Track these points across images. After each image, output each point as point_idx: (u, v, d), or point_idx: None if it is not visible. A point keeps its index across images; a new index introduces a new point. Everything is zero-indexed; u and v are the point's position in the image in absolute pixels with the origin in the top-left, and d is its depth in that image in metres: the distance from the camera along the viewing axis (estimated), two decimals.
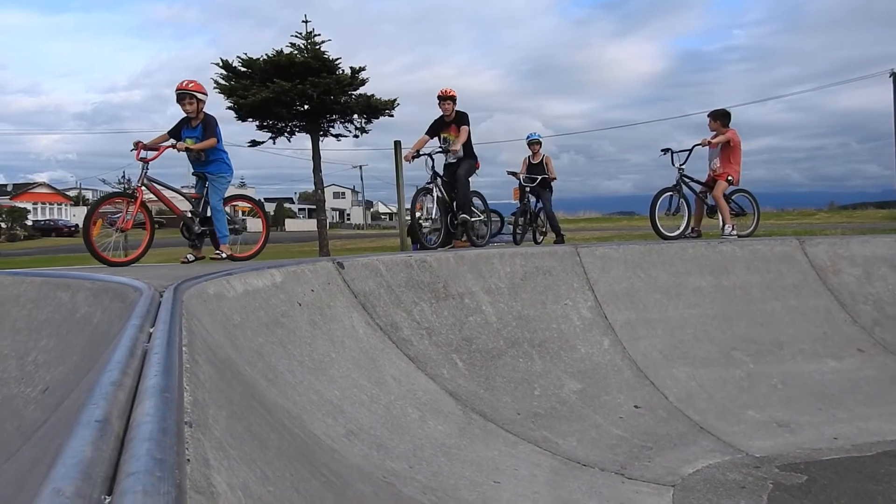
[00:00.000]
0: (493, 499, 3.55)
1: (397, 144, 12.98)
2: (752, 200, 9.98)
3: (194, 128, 7.36)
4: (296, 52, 23.20)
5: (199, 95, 7.29)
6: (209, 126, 7.32)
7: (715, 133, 9.56)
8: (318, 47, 23.47)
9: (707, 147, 9.59)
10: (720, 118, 9.58)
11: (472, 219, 9.39)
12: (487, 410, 4.74)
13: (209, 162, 7.43)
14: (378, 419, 3.91)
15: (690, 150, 9.54)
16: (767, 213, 10.32)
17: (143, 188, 6.95)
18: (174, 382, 1.22)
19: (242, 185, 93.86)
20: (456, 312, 5.76)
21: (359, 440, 3.50)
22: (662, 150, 9.71)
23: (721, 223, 9.44)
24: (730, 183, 9.46)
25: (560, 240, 11.22)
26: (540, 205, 11.55)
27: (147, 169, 7.02)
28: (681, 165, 9.45)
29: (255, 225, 9.46)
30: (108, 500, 0.80)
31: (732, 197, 9.75)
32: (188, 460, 0.98)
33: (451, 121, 9.33)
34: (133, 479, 0.81)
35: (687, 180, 9.55)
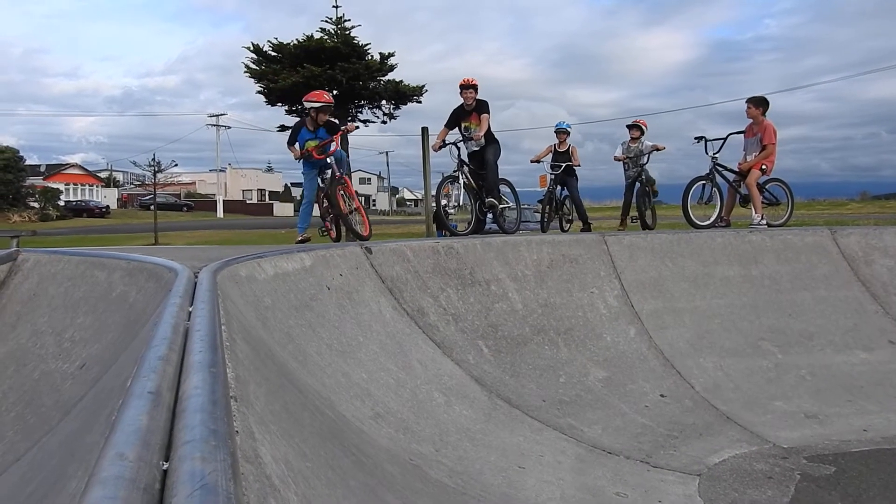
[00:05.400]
0: (518, 484, 3.58)
1: (424, 131, 12.95)
2: (786, 190, 9.80)
3: (314, 130, 8.38)
4: (326, 37, 23.25)
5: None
6: (332, 127, 8.45)
7: (752, 120, 9.43)
8: (348, 32, 23.51)
9: (743, 136, 9.49)
10: (761, 105, 9.43)
11: (501, 205, 9.39)
12: (513, 397, 4.77)
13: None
14: (404, 403, 3.95)
15: (725, 139, 9.42)
16: (797, 203, 10.20)
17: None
18: (218, 358, 1.25)
19: (269, 169, 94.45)
20: (482, 299, 5.77)
21: (386, 423, 3.55)
22: (696, 138, 9.59)
23: (752, 212, 9.33)
24: (763, 172, 9.33)
25: (587, 228, 11.16)
26: (566, 192, 11.47)
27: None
28: (714, 154, 9.33)
29: None
30: (165, 466, 0.84)
31: (766, 186, 9.60)
32: (237, 432, 1.02)
33: (471, 109, 9.31)
34: (190, 446, 0.84)
35: (720, 169, 9.44)
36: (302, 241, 8.24)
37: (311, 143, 8.29)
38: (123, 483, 0.73)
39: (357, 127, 8.66)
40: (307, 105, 8.34)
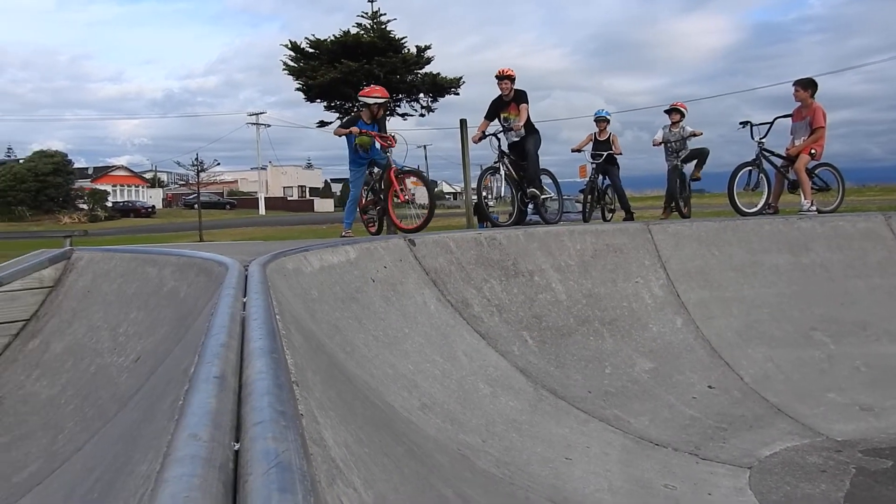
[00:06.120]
0: (565, 475, 3.56)
1: (463, 123, 12.91)
2: (836, 175, 9.46)
3: (370, 124, 8.65)
4: (362, 32, 23.39)
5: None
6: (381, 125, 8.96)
7: (801, 104, 9.18)
8: (384, 27, 23.61)
9: (790, 120, 9.24)
10: (809, 87, 9.15)
11: (542, 195, 9.34)
12: (558, 388, 4.75)
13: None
14: (451, 394, 3.96)
15: (771, 124, 9.19)
16: (848, 189, 9.96)
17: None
18: (278, 345, 1.28)
19: (309, 165, 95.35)
20: (526, 290, 5.76)
21: (433, 413, 3.56)
22: (741, 123, 9.36)
23: (801, 198, 9.09)
24: (813, 157, 9.08)
25: (630, 217, 11.03)
26: (607, 182, 11.33)
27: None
28: (761, 139, 9.11)
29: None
30: (237, 447, 0.86)
31: (816, 171, 9.31)
32: (302, 415, 1.04)
33: (509, 100, 9.27)
34: (261, 427, 0.86)
35: (767, 154, 9.22)
36: (347, 237, 8.34)
37: (366, 138, 8.41)
38: (199, 461, 0.75)
39: (396, 142, 8.78)
40: (370, 101, 8.51)
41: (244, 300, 1.88)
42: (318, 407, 1.20)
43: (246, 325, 1.46)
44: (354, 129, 8.31)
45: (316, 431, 1.04)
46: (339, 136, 8.52)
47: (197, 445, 0.78)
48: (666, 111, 11.04)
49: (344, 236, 8.42)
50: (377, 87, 8.89)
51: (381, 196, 8.60)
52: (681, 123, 10.79)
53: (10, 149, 79.86)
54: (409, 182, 8.69)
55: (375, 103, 8.52)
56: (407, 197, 8.50)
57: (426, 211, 8.41)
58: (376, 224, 8.96)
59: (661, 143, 10.89)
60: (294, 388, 1.11)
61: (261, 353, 1.17)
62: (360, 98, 8.77)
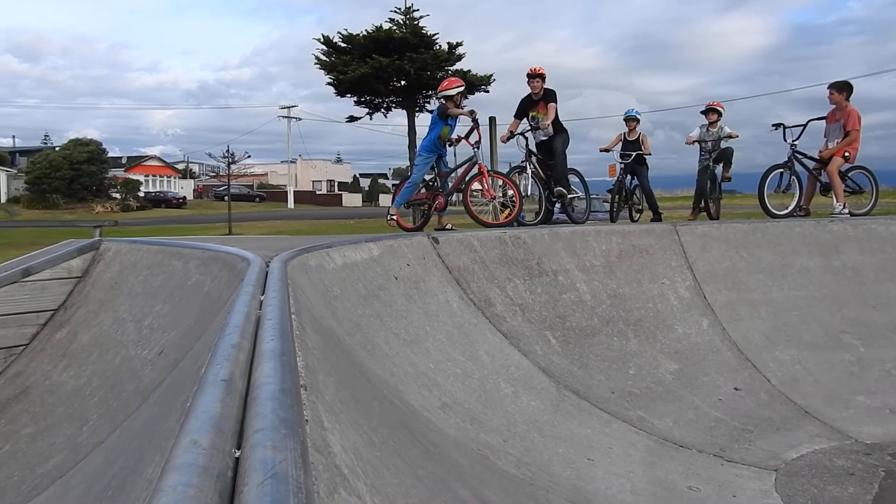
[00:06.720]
0: (587, 476, 3.54)
1: (492, 120, 12.92)
2: (870, 178, 9.32)
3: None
4: (395, 27, 23.42)
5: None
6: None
7: (835, 106, 9.02)
8: (416, 23, 23.62)
9: (824, 122, 9.09)
10: (844, 90, 9.00)
11: (570, 194, 9.28)
12: (581, 388, 4.71)
13: None
14: (472, 393, 3.95)
15: (804, 126, 9.05)
16: (883, 192, 9.80)
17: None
18: (288, 347, 1.27)
19: (339, 160, 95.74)
20: (549, 290, 5.72)
21: (453, 413, 3.55)
22: (774, 125, 9.25)
23: (833, 201, 8.94)
24: (846, 160, 8.93)
25: (657, 218, 10.91)
26: (636, 182, 11.22)
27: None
28: (793, 141, 8.99)
29: None
30: (237, 454, 0.86)
31: (849, 174, 9.18)
32: (306, 421, 1.03)
33: (538, 99, 9.22)
34: (261, 434, 0.86)
35: (800, 156, 9.08)
36: (391, 221, 8.66)
37: (447, 128, 8.51)
38: (197, 470, 0.75)
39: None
40: (452, 92, 8.49)
41: (262, 298, 1.88)
42: (326, 411, 1.20)
43: (260, 325, 1.46)
44: (473, 112, 8.38)
45: (321, 437, 1.04)
46: (452, 115, 8.52)
47: (196, 453, 0.78)
48: (703, 111, 10.89)
49: (389, 219, 8.72)
50: (454, 78, 8.90)
51: (444, 190, 8.74)
52: (718, 123, 10.63)
53: (47, 136, 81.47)
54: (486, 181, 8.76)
55: (458, 92, 8.55)
56: (492, 193, 8.65)
57: (507, 208, 8.59)
58: (421, 219, 9.07)
59: (694, 142, 10.75)
60: (301, 393, 1.10)
61: (270, 356, 1.16)
62: (440, 93, 8.69)
